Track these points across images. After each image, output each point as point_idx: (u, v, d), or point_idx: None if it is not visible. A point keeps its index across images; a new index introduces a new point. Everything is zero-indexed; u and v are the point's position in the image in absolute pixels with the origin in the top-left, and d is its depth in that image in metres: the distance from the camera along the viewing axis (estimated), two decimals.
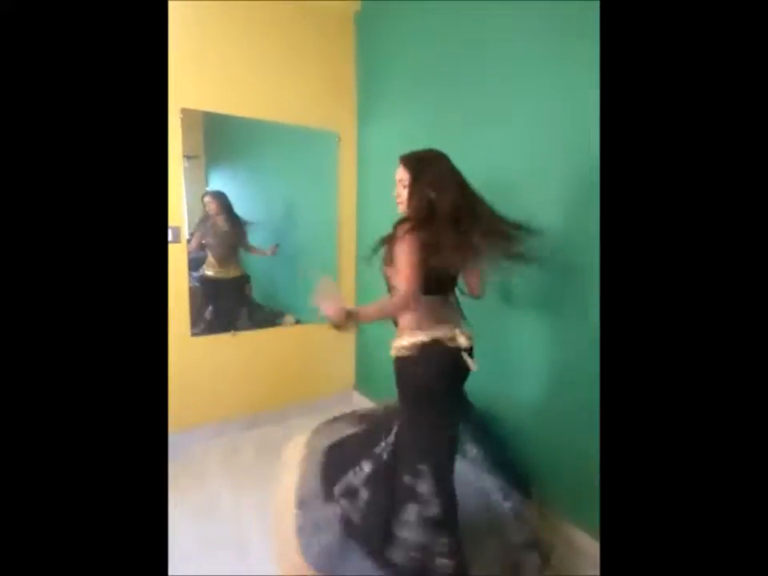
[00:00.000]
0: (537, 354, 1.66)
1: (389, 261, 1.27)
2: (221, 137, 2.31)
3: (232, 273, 2.51)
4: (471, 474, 1.44)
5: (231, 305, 2.49)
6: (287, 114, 2.37)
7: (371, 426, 1.48)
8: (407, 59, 2.20)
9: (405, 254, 1.18)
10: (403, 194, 1.28)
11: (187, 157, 2.13)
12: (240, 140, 2.39)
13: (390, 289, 1.34)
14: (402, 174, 1.28)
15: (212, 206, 2.36)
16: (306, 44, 2.38)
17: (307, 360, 2.66)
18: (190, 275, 2.22)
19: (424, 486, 1.18)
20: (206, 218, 2.36)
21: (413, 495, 1.19)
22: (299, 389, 2.65)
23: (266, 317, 2.56)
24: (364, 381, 2.80)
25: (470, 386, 1.35)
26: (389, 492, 1.23)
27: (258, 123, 2.30)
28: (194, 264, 2.27)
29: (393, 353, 1.31)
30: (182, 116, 2.05)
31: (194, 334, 2.26)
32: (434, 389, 1.24)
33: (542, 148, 1.57)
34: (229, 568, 1.48)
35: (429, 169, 1.25)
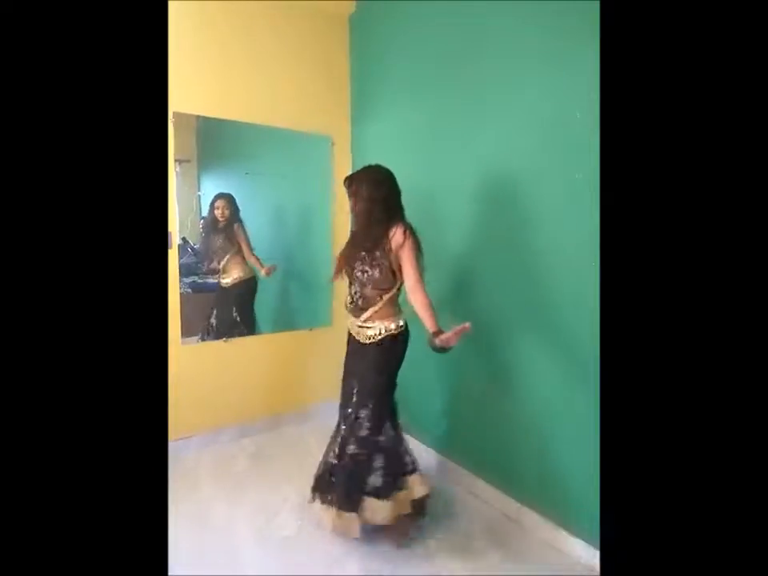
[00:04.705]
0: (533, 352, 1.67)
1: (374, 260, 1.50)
2: (214, 141, 2.29)
3: (232, 277, 2.44)
4: None
5: (229, 312, 2.45)
6: (281, 118, 2.36)
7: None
8: (401, 61, 2.21)
9: (414, 252, 1.47)
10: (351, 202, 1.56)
11: (179, 161, 2.11)
12: (233, 144, 2.37)
13: (361, 287, 1.55)
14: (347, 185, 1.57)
15: (226, 211, 2.33)
16: (299, 46, 2.38)
17: (300, 367, 2.63)
18: (180, 281, 2.20)
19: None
20: (214, 222, 2.34)
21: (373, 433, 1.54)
22: (292, 396, 2.62)
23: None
24: None
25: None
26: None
27: (252, 127, 2.29)
28: (185, 270, 2.23)
29: (375, 335, 1.55)
30: (173, 120, 2.03)
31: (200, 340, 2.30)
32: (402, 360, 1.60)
33: (538, 149, 1.58)
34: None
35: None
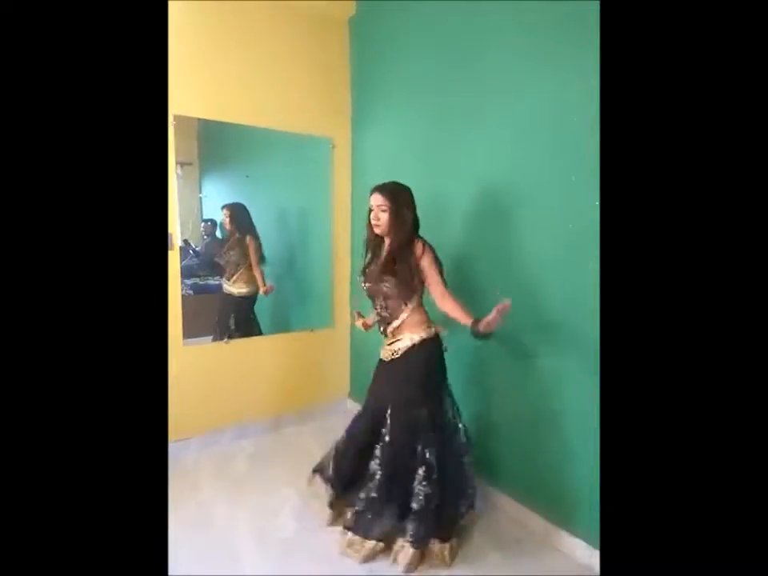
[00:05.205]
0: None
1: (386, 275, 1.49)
2: (215, 143, 2.30)
3: (239, 289, 2.45)
4: None
5: (229, 321, 2.45)
6: (281, 121, 2.36)
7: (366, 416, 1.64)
8: (402, 63, 2.21)
9: (434, 264, 1.49)
10: (382, 217, 1.50)
11: (180, 164, 2.12)
12: (234, 147, 2.38)
13: (385, 299, 1.54)
14: (380, 200, 1.49)
15: (225, 219, 2.36)
16: (299, 49, 2.39)
17: (301, 368, 2.64)
18: (182, 283, 2.20)
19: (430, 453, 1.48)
20: (230, 234, 2.38)
21: (423, 461, 1.47)
22: (293, 397, 2.61)
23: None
24: (358, 388, 2.77)
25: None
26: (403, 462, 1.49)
27: (253, 130, 2.29)
28: (186, 271, 2.24)
29: (401, 349, 1.53)
30: (174, 123, 2.03)
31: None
32: (442, 370, 1.59)
33: (538, 151, 1.58)
34: None
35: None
